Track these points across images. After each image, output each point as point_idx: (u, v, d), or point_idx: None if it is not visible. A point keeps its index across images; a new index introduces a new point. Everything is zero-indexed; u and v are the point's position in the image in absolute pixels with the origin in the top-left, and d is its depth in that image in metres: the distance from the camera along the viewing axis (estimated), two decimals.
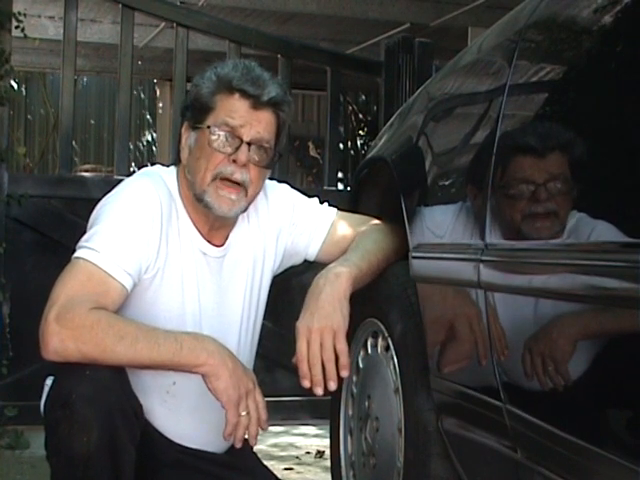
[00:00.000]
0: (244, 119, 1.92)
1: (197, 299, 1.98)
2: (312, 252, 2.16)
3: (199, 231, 2.00)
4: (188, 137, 1.98)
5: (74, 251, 1.87)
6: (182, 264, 1.96)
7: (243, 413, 1.82)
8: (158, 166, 2.07)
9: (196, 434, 2.00)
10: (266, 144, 1.95)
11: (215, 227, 2.01)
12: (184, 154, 1.98)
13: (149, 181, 1.95)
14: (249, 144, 1.92)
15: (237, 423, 1.81)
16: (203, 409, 1.97)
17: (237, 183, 1.93)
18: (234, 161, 1.91)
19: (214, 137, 1.91)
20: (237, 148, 1.91)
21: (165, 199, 1.94)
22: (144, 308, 1.91)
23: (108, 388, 1.74)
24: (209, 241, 2.01)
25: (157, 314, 1.92)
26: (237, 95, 1.93)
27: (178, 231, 1.96)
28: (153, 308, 1.93)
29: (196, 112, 1.96)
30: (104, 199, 1.94)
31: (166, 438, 1.98)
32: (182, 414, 1.97)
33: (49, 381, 1.97)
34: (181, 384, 1.94)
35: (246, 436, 1.84)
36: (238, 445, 1.83)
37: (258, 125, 1.93)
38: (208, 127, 1.92)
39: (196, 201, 1.96)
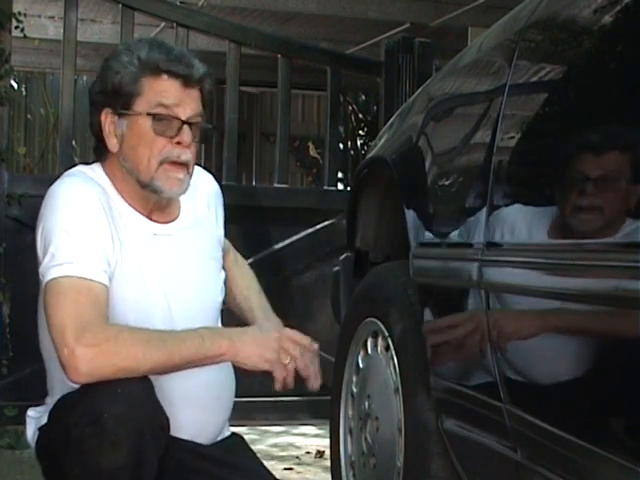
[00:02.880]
0: (178, 98, 1.91)
1: (160, 283, 1.95)
2: (221, 232, 2.17)
3: (141, 214, 1.97)
4: (114, 124, 1.93)
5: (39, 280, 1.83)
6: (137, 250, 1.93)
7: (286, 361, 1.82)
8: (79, 165, 2.02)
9: (189, 421, 1.96)
10: (199, 119, 1.94)
11: (156, 207, 1.99)
12: (112, 142, 1.93)
13: (76, 179, 1.92)
14: (189, 124, 1.91)
15: (286, 375, 1.81)
16: (191, 390, 1.95)
17: (182, 163, 1.92)
18: (178, 143, 1.90)
19: (154, 122, 1.89)
20: (179, 129, 1.90)
21: (99, 191, 1.91)
22: (111, 305, 1.86)
23: (139, 406, 1.72)
24: (156, 220, 1.99)
25: (125, 308, 1.88)
26: (165, 76, 1.90)
27: (122, 219, 1.93)
28: (121, 304, 1.88)
29: (119, 98, 1.91)
30: (42, 215, 1.88)
31: None
32: (173, 400, 1.90)
33: (31, 412, 1.95)
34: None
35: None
36: (290, 387, 1.84)
37: (192, 103, 1.92)
38: (148, 114, 1.89)
39: (141, 188, 1.93)
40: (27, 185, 3.82)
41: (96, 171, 1.97)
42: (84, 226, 1.85)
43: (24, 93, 11.08)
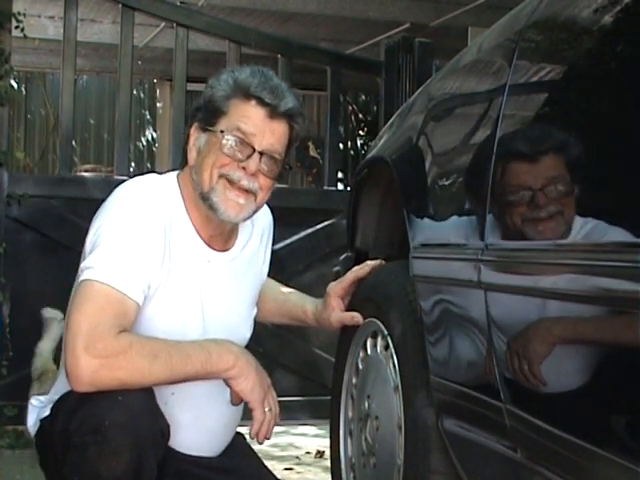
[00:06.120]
0: (258, 128, 1.88)
1: (200, 310, 1.95)
2: (265, 270, 2.20)
3: (201, 238, 1.95)
4: (198, 138, 1.93)
5: (77, 271, 1.82)
6: (184, 276, 1.92)
7: (267, 409, 1.85)
8: (152, 174, 2.01)
9: (194, 443, 1.97)
10: (277, 155, 1.91)
11: (217, 233, 1.97)
12: (192, 155, 1.93)
13: (148, 189, 1.91)
14: (261, 154, 1.88)
15: (263, 420, 1.84)
16: (201, 418, 1.96)
17: (244, 189, 1.90)
18: (243, 168, 1.87)
19: (225, 142, 1.87)
20: (248, 156, 1.87)
21: (165, 209, 1.90)
22: (142, 323, 1.86)
23: (140, 414, 1.72)
24: (213, 247, 1.98)
25: (157, 328, 1.86)
26: (253, 102, 1.88)
27: (180, 242, 1.92)
28: (151, 323, 1.87)
29: (208, 114, 1.91)
30: (103, 214, 1.87)
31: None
32: (181, 424, 1.92)
33: (34, 401, 1.95)
34: (179, 395, 1.91)
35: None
36: (262, 442, 1.86)
37: (271, 136, 1.89)
38: (221, 132, 1.88)
39: (201, 200, 1.91)
40: (27, 185, 3.82)
41: (168, 181, 1.97)
42: (138, 242, 1.82)
43: (24, 93, 11.08)
